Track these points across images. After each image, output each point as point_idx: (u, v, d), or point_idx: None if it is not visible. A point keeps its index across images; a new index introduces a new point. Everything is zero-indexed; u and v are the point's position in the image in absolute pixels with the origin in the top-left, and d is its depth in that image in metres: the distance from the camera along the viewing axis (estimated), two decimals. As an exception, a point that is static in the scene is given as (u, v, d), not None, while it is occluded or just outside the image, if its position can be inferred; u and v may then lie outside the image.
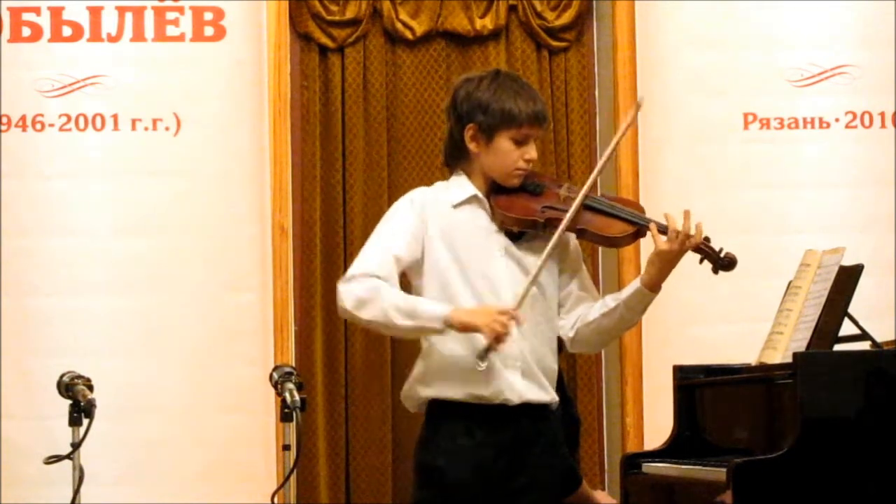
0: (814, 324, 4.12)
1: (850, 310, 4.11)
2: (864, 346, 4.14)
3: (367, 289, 3.74)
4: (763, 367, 4.16)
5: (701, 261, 3.86)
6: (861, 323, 4.14)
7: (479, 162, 3.87)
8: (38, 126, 5.73)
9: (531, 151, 3.85)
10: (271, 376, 4.15)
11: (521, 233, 3.87)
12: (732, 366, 4.41)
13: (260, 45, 5.90)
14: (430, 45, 6.17)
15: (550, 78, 6.22)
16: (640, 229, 3.86)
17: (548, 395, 3.86)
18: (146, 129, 5.78)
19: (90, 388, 4.30)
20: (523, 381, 3.81)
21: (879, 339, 4.15)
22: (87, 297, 5.69)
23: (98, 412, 4.20)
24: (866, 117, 6.00)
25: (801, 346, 4.07)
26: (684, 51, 6.01)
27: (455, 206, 3.86)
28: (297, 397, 3.97)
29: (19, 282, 5.68)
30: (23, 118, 5.72)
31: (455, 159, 3.93)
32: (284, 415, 4.00)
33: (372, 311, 3.74)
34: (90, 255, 5.72)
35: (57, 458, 4.20)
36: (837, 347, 4.07)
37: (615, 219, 3.84)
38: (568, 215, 3.78)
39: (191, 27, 5.82)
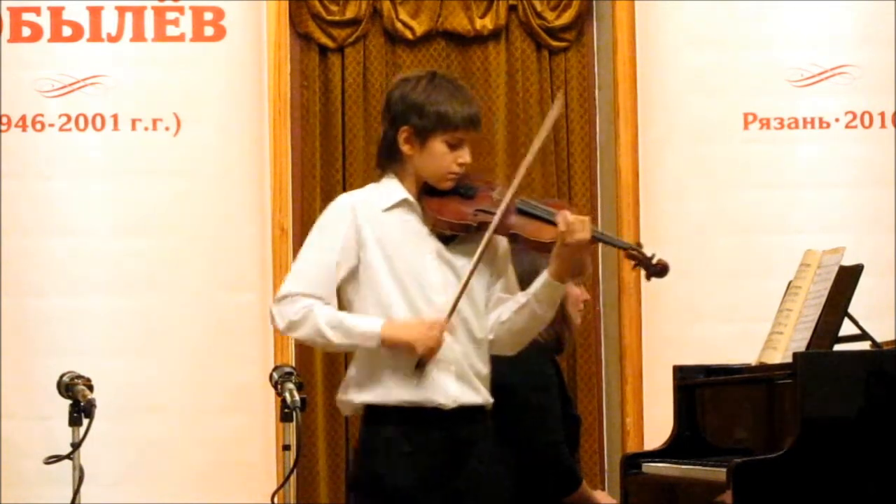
0: (814, 324, 4.12)
1: (850, 310, 4.11)
2: (864, 346, 4.14)
3: (297, 310, 3.72)
4: (763, 367, 4.17)
5: (634, 266, 3.83)
6: (861, 323, 4.14)
7: (411, 164, 3.81)
8: (38, 126, 5.73)
9: (465, 155, 3.79)
10: (271, 376, 4.16)
11: (453, 236, 3.82)
12: (732, 366, 4.41)
13: (260, 45, 5.90)
14: (430, 45, 6.18)
15: (550, 78, 6.22)
16: None
17: (481, 397, 3.82)
18: (146, 129, 5.78)
19: (90, 388, 4.30)
20: (457, 385, 3.77)
21: (879, 339, 4.16)
22: (87, 297, 5.69)
23: (98, 412, 4.20)
24: (866, 117, 6.00)
25: (801, 346, 4.07)
26: (684, 51, 6.01)
27: (385, 210, 3.81)
28: (297, 397, 3.97)
29: (19, 282, 5.68)
30: (23, 118, 5.72)
31: (387, 161, 3.87)
32: (284, 415, 4.00)
33: (304, 332, 3.73)
34: (90, 255, 5.71)
35: (57, 458, 4.20)
36: (837, 347, 4.07)
37: (547, 223, 3.80)
38: (496, 217, 3.74)
39: (191, 27, 5.82)
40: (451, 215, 3.78)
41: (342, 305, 3.80)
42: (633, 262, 3.81)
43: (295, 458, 3.96)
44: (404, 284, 3.76)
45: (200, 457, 5.69)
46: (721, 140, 5.99)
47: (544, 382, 4.38)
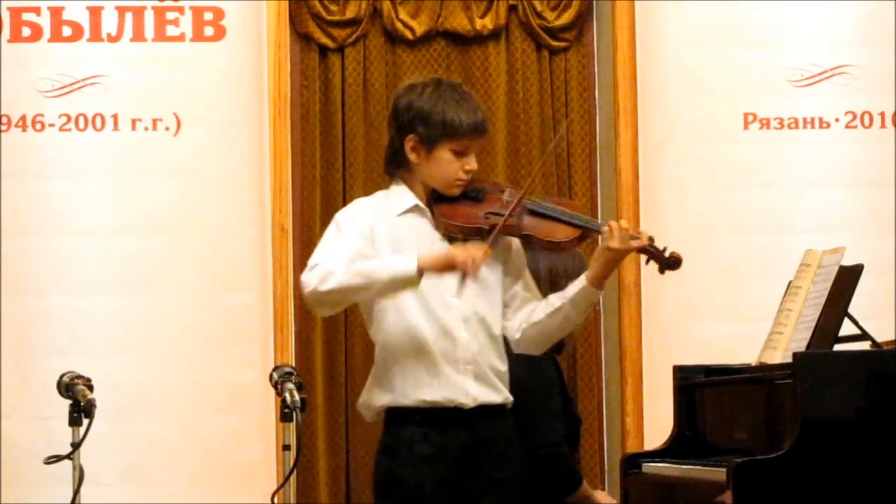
0: (814, 324, 4.12)
1: (850, 310, 4.11)
2: (864, 346, 4.14)
3: (329, 265, 3.69)
4: (763, 367, 4.16)
5: (647, 261, 3.84)
6: (861, 323, 4.14)
7: (419, 172, 3.84)
8: (38, 126, 5.73)
9: (472, 162, 3.82)
10: (271, 376, 4.15)
11: (464, 240, 3.82)
12: (732, 366, 4.42)
13: (260, 45, 5.90)
14: (430, 45, 6.17)
15: (550, 78, 6.22)
16: (584, 233, 3.83)
17: (500, 395, 3.85)
18: (146, 129, 5.78)
19: (90, 388, 4.30)
20: (476, 385, 3.79)
21: (879, 339, 4.15)
22: (87, 297, 5.69)
23: (98, 412, 4.20)
24: (866, 117, 6.00)
25: (801, 346, 4.07)
26: (684, 51, 6.01)
27: (398, 216, 3.84)
28: (297, 397, 3.97)
29: (19, 282, 5.68)
30: (23, 118, 5.73)
31: (395, 168, 3.90)
32: (284, 415, 4.00)
33: (338, 278, 3.67)
34: (90, 255, 5.72)
35: (57, 458, 4.20)
36: (837, 347, 4.07)
37: (559, 223, 3.81)
38: (505, 215, 3.75)
39: (191, 27, 5.82)
40: (462, 219, 3.81)
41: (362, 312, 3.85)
42: (645, 256, 3.82)
43: (295, 458, 3.96)
44: (420, 288, 3.75)
45: (200, 457, 5.69)
46: (721, 140, 6.00)
47: (545, 382, 4.38)
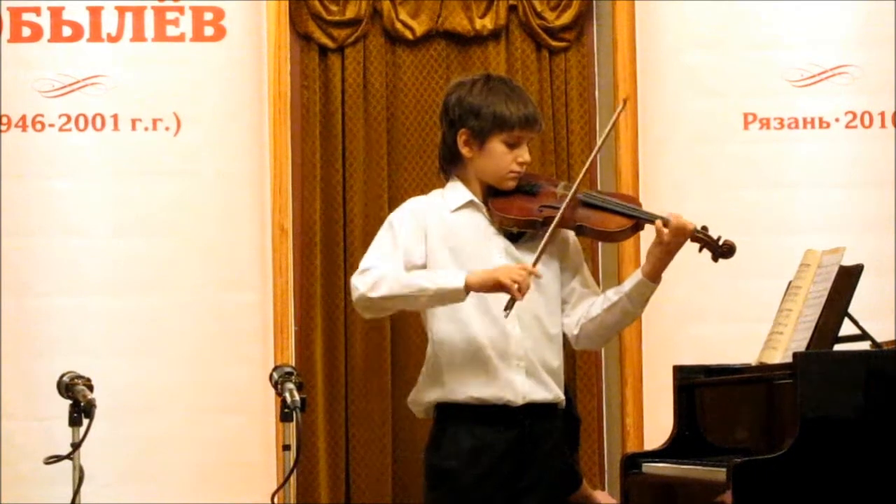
0: (814, 324, 4.11)
1: (850, 310, 4.11)
2: (864, 346, 4.14)
3: (380, 272, 3.77)
4: (763, 367, 4.16)
5: (700, 249, 3.87)
6: (861, 323, 4.14)
7: (472, 166, 3.89)
8: (38, 126, 5.73)
9: (524, 154, 3.87)
10: (271, 376, 4.15)
11: (520, 233, 3.89)
12: (732, 366, 4.41)
13: (260, 45, 5.90)
14: (430, 45, 6.17)
15: (550, 78, 6.22)
16: (637, 223, 3.89)
17: (551, 393, 3.88)
18: (146, 129, 5.78)
19: (90, 388, 4.29)
20: (527, 381, 3.83)
21: (879, 339, 4.15)
22: (87, 297, 5.69)
23: (98, 412, 4.19)
24: (866, 117, 6.00)
25: (801, 346, 4.07)
26: (684, 51, 6.01)
27: (453, 212, 3.88)
28: (297, 397, 3.97)
29: (19, 282, 5.68)
30: (23, 118, 5.72)
31: (449, 165, 3.95)
32: (284, 415, 4.00)
33: (388, 286, 3.74)
34: (90, 255, 5.72)
35: (57, 458, 4.19)
36: (837, 347, 4.07)
37: (612, 213, 3.87)
38: (561, 209, 3.79)
39: (191, 27, 5.82)
40: (517, 212, 3.85)
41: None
42: (699, 245, 3.85)
43: (295, 458, 3.96)
44: None
45: (200, 457, 5.69)
46: (721, 140, 5.99)
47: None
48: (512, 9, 6.19)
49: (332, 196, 6.07)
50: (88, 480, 4.22)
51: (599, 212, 3.88)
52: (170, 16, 5.82)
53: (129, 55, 5.78)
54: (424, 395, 3.89)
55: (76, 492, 4.20)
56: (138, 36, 5.79)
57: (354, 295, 3.79)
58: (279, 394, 4.07)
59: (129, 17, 5.79)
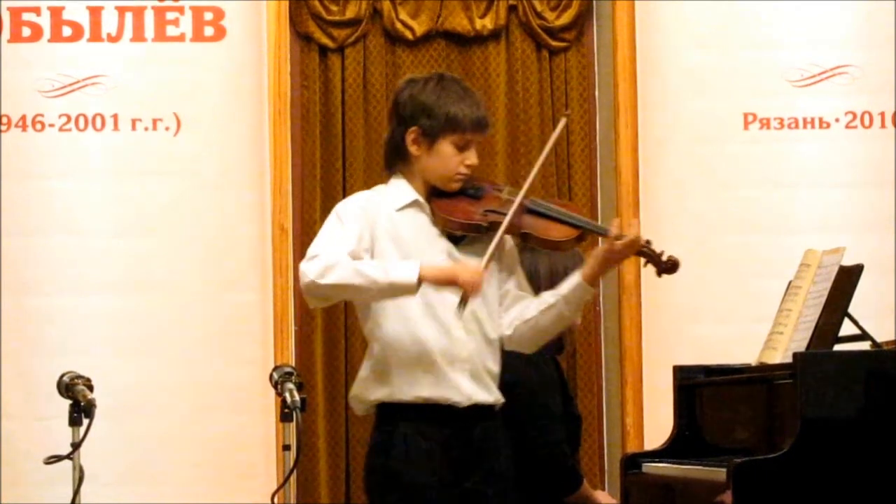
0: (814, 324, 4.11)
1: (850, 310, 4.11)
2: (864, 346, 4.14)
3: (329, 258, 3.69)
4: (763, 367, 4.16)
5: (645, 264, 3.85)
6: (861, 323, 4.14)
7: (419, 165, 3.85)
8: (38, 126, 5.73)
9: (472, 157, 3.83)
10: (271, 376, 4.15)
11: (462, 236, 3.84)
12: (732, 366, 4.42)
13: (260, 45, 5.90)
14: (430, 45, 6.17)
15: (550, 78, 6.22)
16: (582, 233, 3.85)
17: (493, 396, 3.86)
18: (146, 129, 5.78)
19: (90, 388, 4.29)
20: (471, 383, 3.81)
21: (879, 339, 4.15)
22: (87, 297, 5.69)
23: (98, 412, 4.19)
24: (866, 117, 6.00)
25: (801, 346, 4.07)
26: (684, 51, 6.01)
27: (398, 210, 3.84)
28: (297, 397, 3.97)
29: (19, 282, 5.68)
30: (23, 118, 5.72)
31: (395, 161, 3.91)
32: (284, 415, 4.00)
33: (338, 274, 3.66)
34: (90, 255, 5.72)
35: (57, 458, 4.19)
36: (837, 347, 4.07)
37: (557, 222, 3.82)
38: (508, 216, 3.76)
39: (191, 27, 5.82)
40: (461, 215, 3.81)
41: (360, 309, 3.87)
42: (643, 260, 3.83)
43: (295, 458, 3.96)
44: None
45: (200, 457, 5.69)
46: (721, 140, 6.00)
47: (545, 382, 4.38)
48: (512, 9, 6.19)
49: (332, 196, 6.06)
50: (88, 480, 4.22)
51: (545, 220, 3.83)
52: (170, 16, 5.82)
53: (129, 55, 5.78)
54: (370, 394, 3.84)
55: (76, 492, 4.20)
56: (138, 36, 5.79)
57: (303, 281, 3.70)
58: (279, 394, 4.07)
59: (129, 17, 5.79)
